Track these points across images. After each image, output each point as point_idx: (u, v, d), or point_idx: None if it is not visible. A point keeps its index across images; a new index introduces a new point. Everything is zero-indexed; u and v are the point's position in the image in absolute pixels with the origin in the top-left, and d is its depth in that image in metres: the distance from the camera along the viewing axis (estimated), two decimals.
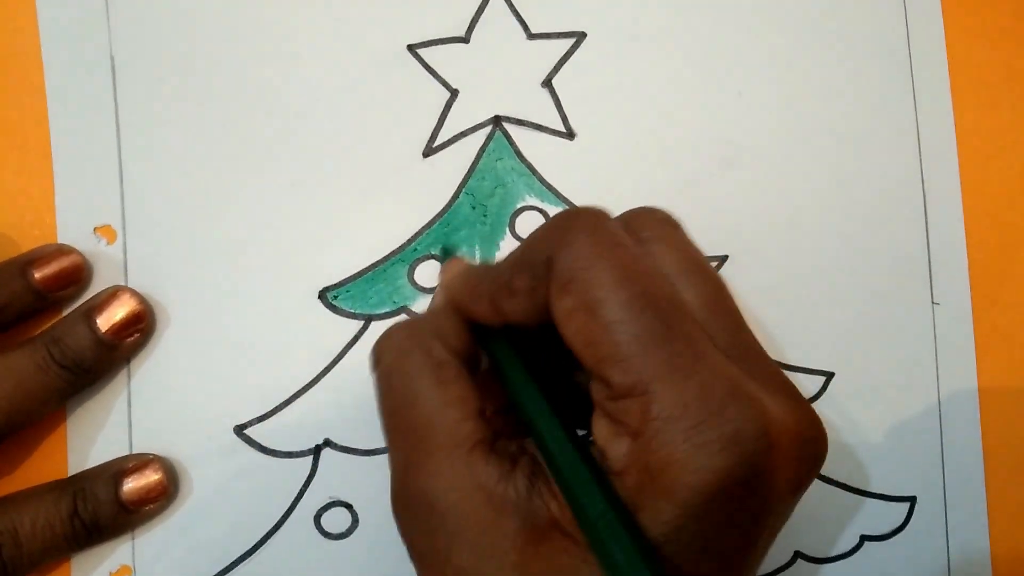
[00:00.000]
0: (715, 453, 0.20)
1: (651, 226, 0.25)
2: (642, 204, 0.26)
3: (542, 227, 0.24)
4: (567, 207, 0.33)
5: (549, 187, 0.33)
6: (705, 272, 0.24)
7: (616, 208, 0.25)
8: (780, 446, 0.21)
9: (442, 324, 0.25)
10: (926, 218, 0.34)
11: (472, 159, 0.33)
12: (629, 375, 0.21)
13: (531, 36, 0.33)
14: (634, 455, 0.21)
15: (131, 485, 0.30)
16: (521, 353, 0.24)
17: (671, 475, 0.20)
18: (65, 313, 0.31)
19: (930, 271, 0.34)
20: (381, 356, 0.25)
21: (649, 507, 0.20)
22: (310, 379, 0.32)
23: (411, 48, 0.33)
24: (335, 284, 0.32)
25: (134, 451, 0.31)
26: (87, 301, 0.30)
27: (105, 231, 0.32)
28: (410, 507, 0.24)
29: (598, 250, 0.22)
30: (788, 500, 0.22)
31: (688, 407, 0.20)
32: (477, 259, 0.32)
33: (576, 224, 0.23)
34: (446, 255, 0.32)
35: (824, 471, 0.32)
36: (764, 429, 0.21)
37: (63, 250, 0.31)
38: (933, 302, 0.34)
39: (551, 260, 0.22)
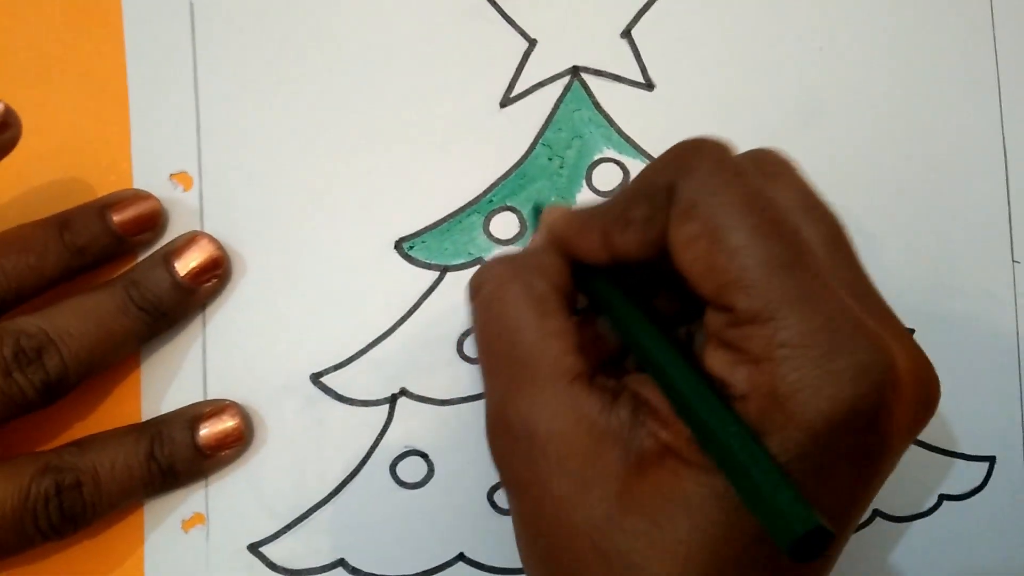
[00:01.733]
0: (845, 382, 0.20)
1: (770, 164, 0.24)
2: None
3: (661, 157, 0.24)
4: (645, 160, 0.33)
5: (627, 139, 0.33)
6: (825, 211, 0.24)
7: None
8: (902, 385, 0.21)
9: (543, 260, 0.25)
10: (1007, 175, 0.34)
11: (549, 110, 0.32)
12: (755, 300, 0.20)
13: None
14: (757, 381, 0.20)
15: (208, 430, 0.30)
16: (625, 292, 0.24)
17: (800, 401, 0.20)
18: (141, 259, 0.31)
19: (1011, 229, 0.34)
20: (481, 286, 0.25)
21: (775, 432, 0.20)
22: (386, 328, 0.31)
23: None
24: (411, 235, 0.32)
25: (208, 398, 0.31)
26: (165, 245, 0.30)
27: (181, 178, 0.31)
28: (509, 435, 0.23)
29: (723, 177, 0.21)
30: (902, 444, 0.22)
31: (817, 334, 0.20)
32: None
33: (700, 151, 0.22)
34: (537, 211, 0.31)
35: None
36: (891, 364, 0.20)
37: (140, 195, 0.30)
38: (1013, 260, 0.34)
39: (673, 187, 0.22)
